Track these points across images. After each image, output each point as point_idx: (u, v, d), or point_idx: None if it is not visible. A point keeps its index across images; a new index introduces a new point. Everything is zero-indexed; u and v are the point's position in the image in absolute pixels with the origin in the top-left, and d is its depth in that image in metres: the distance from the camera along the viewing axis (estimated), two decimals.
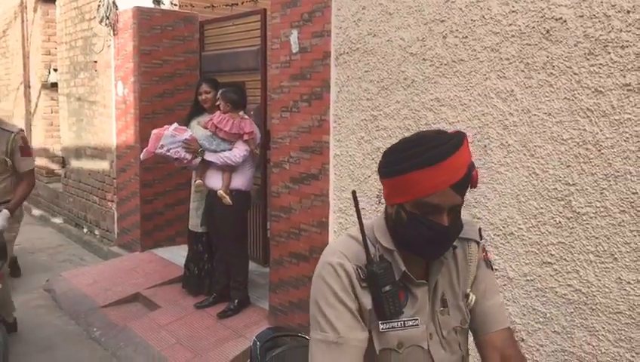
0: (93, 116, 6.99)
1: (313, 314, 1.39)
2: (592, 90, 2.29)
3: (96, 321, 4.62)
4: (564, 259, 2.44)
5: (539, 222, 2.52)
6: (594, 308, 2.35)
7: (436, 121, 2.91)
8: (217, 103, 4.53)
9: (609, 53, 2.24)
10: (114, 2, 6.20)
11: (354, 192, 1.43)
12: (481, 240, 1.55)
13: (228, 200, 4.37)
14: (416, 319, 1.41)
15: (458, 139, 1.32)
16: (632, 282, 2.23)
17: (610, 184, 2.27)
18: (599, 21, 2.25)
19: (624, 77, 2.19)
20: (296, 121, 3.87)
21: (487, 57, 2.67)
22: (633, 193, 2.20)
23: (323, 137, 3.67)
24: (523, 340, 2.60)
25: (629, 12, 2.17)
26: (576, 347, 2.41)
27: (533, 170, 2.52)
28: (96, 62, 6.79)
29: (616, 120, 2.23)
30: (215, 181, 4.48)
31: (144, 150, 4.55)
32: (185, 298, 4.79)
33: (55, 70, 8.28)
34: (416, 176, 1.29)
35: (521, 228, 2.59)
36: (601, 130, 2.28)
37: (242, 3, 6.38)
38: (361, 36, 3.31)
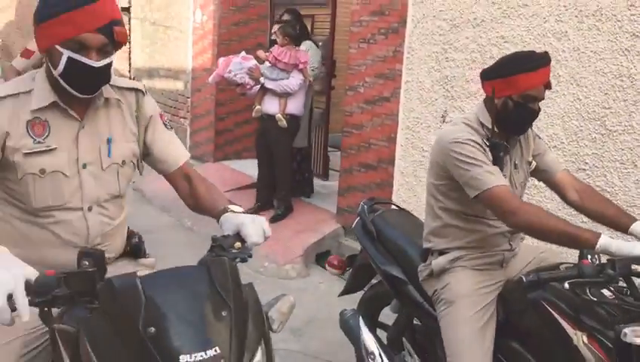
0: (168, 40, 7.70)
1: (460, 160, 2.03)
2: (631, 34, 2.95)
3: (187, 214, 5.47)
4: (596, 166, 3.15)
5: (578, 137, 3.23)
6: (616, 203, 3.07)
7: (500, 55, 3.57)
8: (273, 38, 5.16)
9: None
10: None
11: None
12: None
13: (284, 122, 5.05)
14: (506, 174, 2.17)
15: (549, 56, 2.09)
16: None
17: (637, 108, 2.96)
18: None
19: None
20: (372, 51, 4.54)
21: (548, 3, 3.31)
22: None
23: (396, 66, 4.35)
24: None
25: None
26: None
27: (577, 96, 3.21)
28: None
29: None
30: (272, 106, 5.13)
31: (213, 73, 5.26)
32: None
33: None
34: (528, 76, 2.03)
35: (563, 143, 3.30)
36: (634, 66, 2.95)
37: None
38: None
